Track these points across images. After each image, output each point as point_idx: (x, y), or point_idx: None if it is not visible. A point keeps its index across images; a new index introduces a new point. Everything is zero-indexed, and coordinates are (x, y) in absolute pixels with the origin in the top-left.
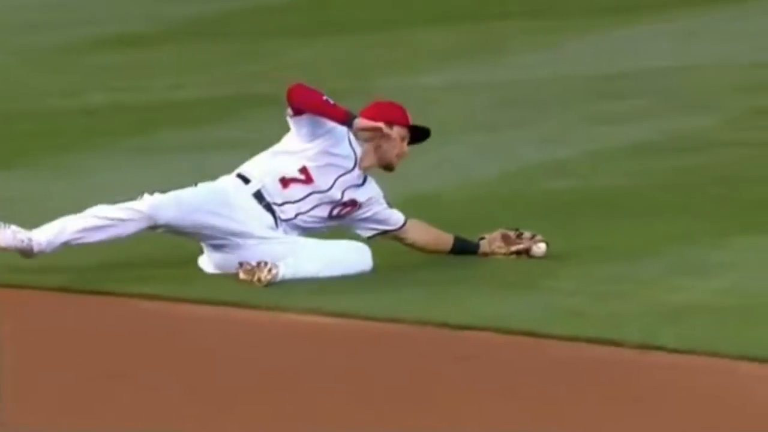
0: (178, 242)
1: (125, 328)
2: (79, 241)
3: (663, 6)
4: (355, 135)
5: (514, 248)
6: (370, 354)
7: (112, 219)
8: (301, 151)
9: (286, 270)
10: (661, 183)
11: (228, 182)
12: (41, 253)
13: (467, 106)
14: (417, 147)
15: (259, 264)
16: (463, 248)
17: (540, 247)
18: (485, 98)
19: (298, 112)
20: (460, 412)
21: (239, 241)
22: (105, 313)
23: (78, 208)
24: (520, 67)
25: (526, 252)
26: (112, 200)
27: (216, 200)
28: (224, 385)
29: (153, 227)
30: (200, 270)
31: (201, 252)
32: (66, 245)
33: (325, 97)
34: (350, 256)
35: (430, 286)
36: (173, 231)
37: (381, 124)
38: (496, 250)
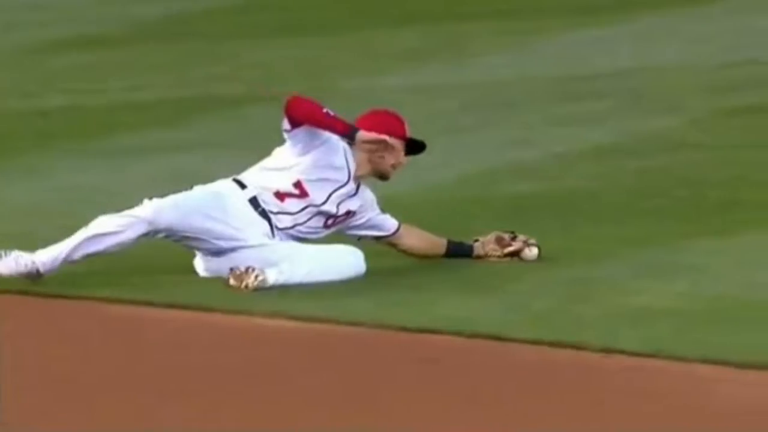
0: (152, 249)
1: (87, 332)
2: (83, 252)
3: (627, 7)
4: (357, 147)
5: (507, 250)
6: (331, 357)
7: (113, 227)
8: (295, 165)
9: (279, 276)
10: (626, 185)
11: (224, 186)
12: (49, 272)
13: (431, 107)
14: None
15: (247, 270)
16: (457, 251)
17: (532, 251)
18: (449, 100)
19: (295, 124)
20: (423, 415)
21: (235, 246)
22: (68, 316)
23: (36, 210)
24: (484, 69)
25: (517, 254)
26: (70, 203)
27: (213, 203)
28: (179, 388)
29: (154, 232)
30: (169, 275)
31: (194, 255)
32: (70, 260)
33: (325, 110)
34: (344, 261)
35: (394, 289)
36: (173, 236)
37: (385, 137)
38: (490, 252)
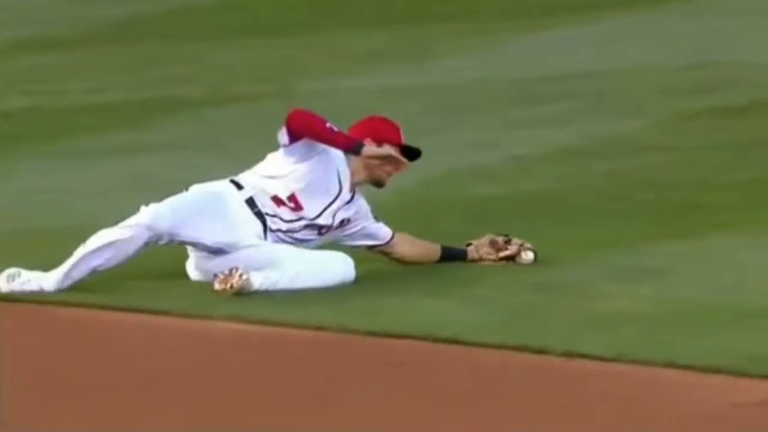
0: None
1: (45, 336)
2: (87, 266)
3: (589, 9)
4: (359, 159)
5: (502, 254)
6: (296, 361)
7: (114, 237)
8: (290, 174)
9: (264, 281)
10: (589, 188)
11: (221, 186)
12: (58, 291)
13: (392, 110)
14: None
15: (231, 271)
16: (451, 257)
17: (528, 255)
18: (411, 102)
19: (294, 138)
20: (387, 418)
21: (230, 245)
22: (23, 320)
23: None
24: (446, 71)
25: (513, 258)
26: (32, 205)
27: (210, 204)
28: (136, 392)
29: (156, 238)
30: (133, 280)
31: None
32: (75, 277)
33: (328, 124)
34: (334, 267)
35: (361, 294)
36: (175, 240)
37: (391, 151)
38: (485, 256)
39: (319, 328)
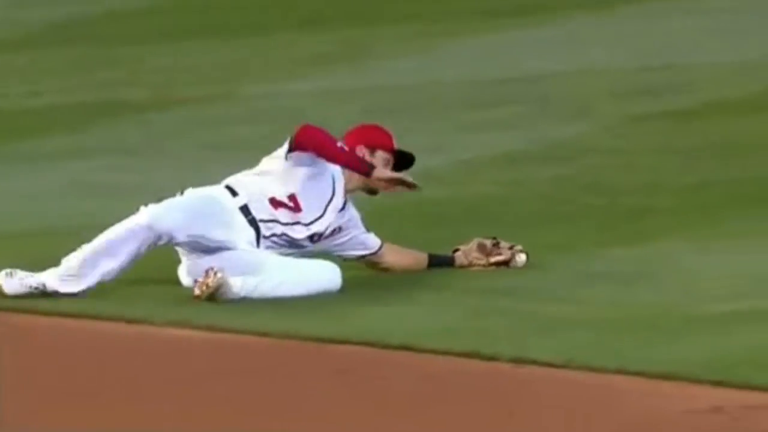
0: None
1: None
2: (101, 270)
3: (536, 11)
4: (370, 182)
5: (494, 259)
6: (240, 367)
7: (116, 236)
8: (288, 175)
9: (245, 285)
10: (537, 192)
11: (215, 191)
12: (67, 293)
13: (335, 113)
14: None
15: (206, 272)
16: (439, 264)
17: (521, 257)
18: (354, 105)
19: (301, 150)
20: (332, 424)
21: (223, 246)
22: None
23: None
24: (390, 74)
25: (506, 263)
26: None
27: (205, 207)
28: (79, 398)
29: (156, 238)
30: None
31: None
32: (89, 282)
33: (339, 143)
34: (319, 275)
35: (308, 299)
36: (172, 241)
37: (401, 175)
38: (475, 261)
39: (264, 334)
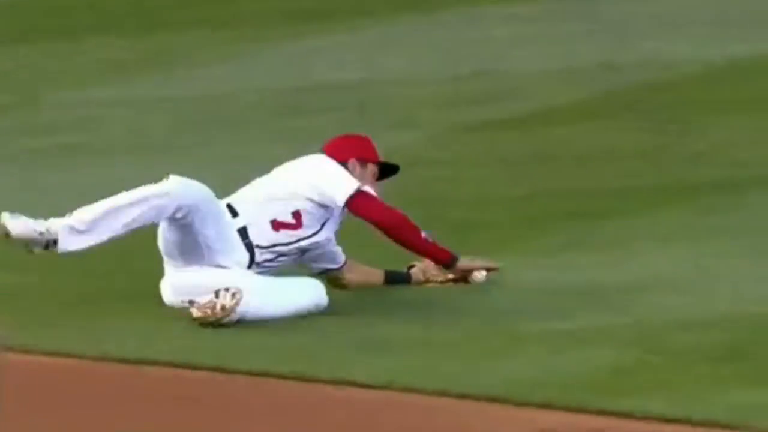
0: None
1: None
2: (104, 229)
3: (353, 15)
4: (452, 271)
5: (451, 276)
6: (82, 393)
7: (135, 199)
8: (299, 194)
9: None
10: None
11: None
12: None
13: (141, 123)
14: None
15: (217, 292)
16: (394, 281)
17: (481, 273)
18: (161, 115)
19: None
20: None
21: (213, 259)
22: None
23: None
24: (200, 81)
25: (464, 279)
26: None
27: (220, 205)
28: None
29: (174, 211)
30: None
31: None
32: (105, 232)
33: (424, 235)
34: (305, 294)
35: (152, 320)
36: (183, 220)
37: (485, 263)
38: (432, 278)
39: (103, 359)
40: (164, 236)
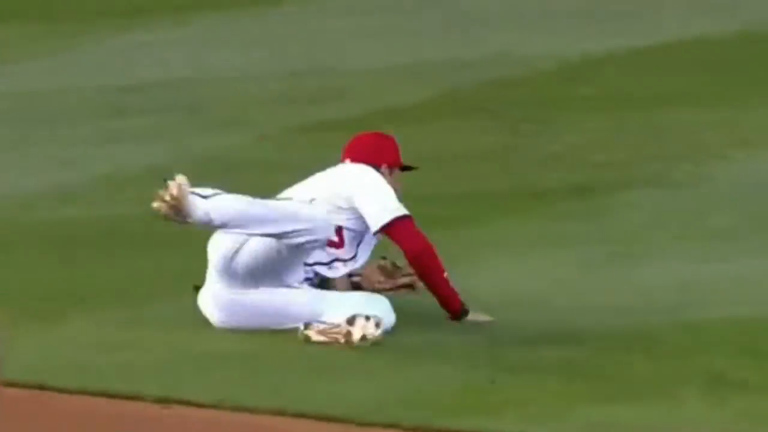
0: None
1: None
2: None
3: (181, 9)
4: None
5: (400, 282)
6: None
7: (281, 213)
8: (342, 206)
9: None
10: None
11: None
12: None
13: None
14: None
15: (353, 319)
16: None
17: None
18: None
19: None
20: None
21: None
22: None
23: None
24: (17, 78)
25: (411, 286)
26: None
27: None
28: None
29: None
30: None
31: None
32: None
33: (445, 273)
34: (378, 309)
35: None
36: (286, 249)
37: (488, 319)
38: (378, 286)
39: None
40: (233, 256)
